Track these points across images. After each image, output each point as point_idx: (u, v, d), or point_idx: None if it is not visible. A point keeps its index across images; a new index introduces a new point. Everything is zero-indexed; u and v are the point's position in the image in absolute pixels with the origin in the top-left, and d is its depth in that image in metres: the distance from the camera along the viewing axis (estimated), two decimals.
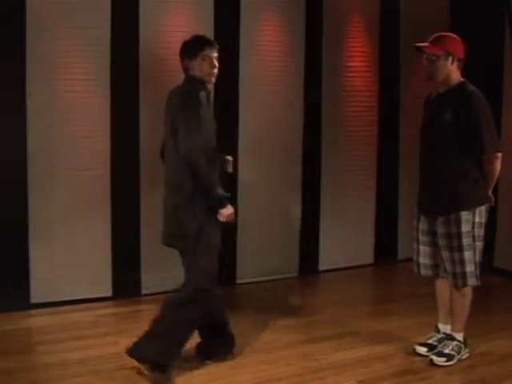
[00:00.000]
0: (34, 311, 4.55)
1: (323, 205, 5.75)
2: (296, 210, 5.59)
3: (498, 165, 3.66)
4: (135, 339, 3.52)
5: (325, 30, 5.59)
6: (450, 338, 3.86)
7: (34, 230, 4.56)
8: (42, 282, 4.59)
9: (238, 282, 5.37)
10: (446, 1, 6.07)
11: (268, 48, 5.33)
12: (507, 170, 5.59)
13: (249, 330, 4.33)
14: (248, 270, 5.40)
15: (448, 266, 3.73)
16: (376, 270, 5.97)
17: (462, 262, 3.66)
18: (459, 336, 3.85)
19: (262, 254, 5.45)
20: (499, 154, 3.65)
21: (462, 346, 3.85)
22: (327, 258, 5.81)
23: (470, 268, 3.67)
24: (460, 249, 3.65)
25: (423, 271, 3.91)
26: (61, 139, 4.63)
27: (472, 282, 3.70)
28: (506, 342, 4.13)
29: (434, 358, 3.80)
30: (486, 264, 5.72)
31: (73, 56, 4.55)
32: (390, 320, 4.51)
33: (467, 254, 3.66)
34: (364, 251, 5.99)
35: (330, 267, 5.80)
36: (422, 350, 3.91)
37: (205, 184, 3.47)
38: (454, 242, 3.65)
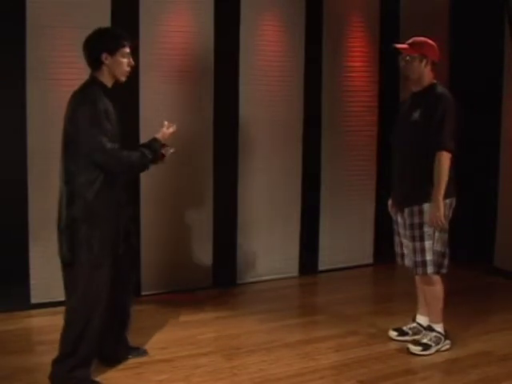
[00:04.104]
0: (34, 311, 4.55)
1: (323, 205, 5.75)
2: (296, 211, 5.59)
3: (446, 165, 3.76)
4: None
5: (325, 29, 5.59)
6: (430, 329, 3.97)
7: (33, 230, 4.55)
8: (42, 281, 4.58)
9: (237, 282, 5.37)
10: (446, 1, 6.07)
11: (268, 48, 5.33)
12: (507, 171, 5.61)
13: (249, 329, 4.33)
14: (248, 271, 5.40)
15: (410, 255, 3.91)
16: (376, 269, 5.97)
17: (423, 251, 3.83)
18: (438, 327, 3.95)
19: (262, 254, 5.45)
20: (450, 155, 3.76)
21: (442, 337, 3.94)
22: (327, 258, 5.80)
23: (429, 256, 3.83)
24: (421, 238, 3.83)
25: (408, 262, 4.03)
26: (61, 139, 4.61)
27: (431, 269, 3.85)
28: (506, 342, 4.13)
29: (411, 346, 3.93)
30: (486, 264, 5.78)
31: (73, 56, 4.53)
32: (390, 320, 4.51)
33: (427, 244, 3.82)
34: (364, 251, 5.99)
35: (330, 267, 5.80)
36: (393, 334, 4.13)
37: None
38: (416, 232, 3.84)
